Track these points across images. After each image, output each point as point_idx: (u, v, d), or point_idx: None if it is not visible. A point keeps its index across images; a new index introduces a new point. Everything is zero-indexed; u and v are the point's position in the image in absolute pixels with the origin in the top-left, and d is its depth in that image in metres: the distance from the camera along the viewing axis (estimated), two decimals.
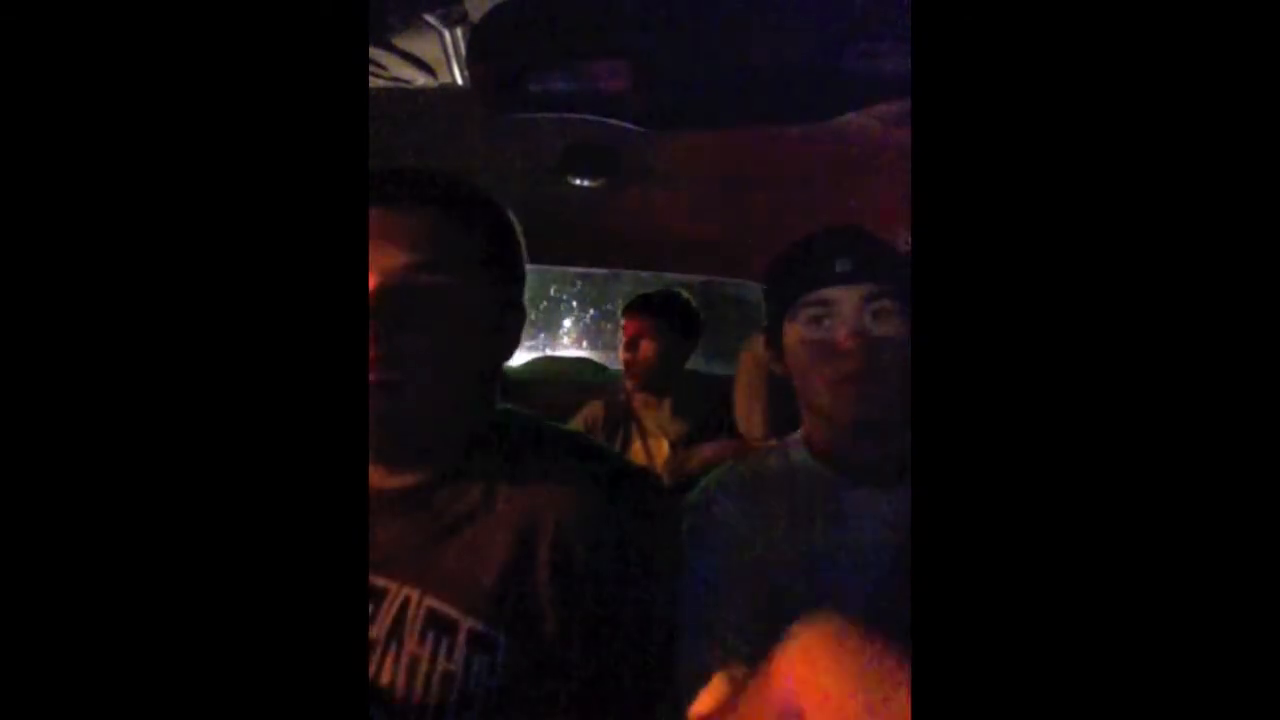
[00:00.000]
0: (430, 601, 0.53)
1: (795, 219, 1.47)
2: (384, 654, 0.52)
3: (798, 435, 0.73)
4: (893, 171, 1.09)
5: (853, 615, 0.59)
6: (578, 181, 1.22)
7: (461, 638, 0.52)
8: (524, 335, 0.64)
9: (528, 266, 0.63)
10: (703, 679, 0.61)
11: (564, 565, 0.55)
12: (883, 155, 1.05)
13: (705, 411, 1.56)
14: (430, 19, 0.68)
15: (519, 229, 0.62)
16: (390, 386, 0.51)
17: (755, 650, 0.62)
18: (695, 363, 1.69)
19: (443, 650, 0.52)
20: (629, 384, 1.62)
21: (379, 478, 0.56)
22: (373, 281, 0.51)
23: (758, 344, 1.00)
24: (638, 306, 1.60)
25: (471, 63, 0.70)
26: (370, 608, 0.53)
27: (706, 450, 1.41)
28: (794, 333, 0.69)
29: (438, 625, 0.52)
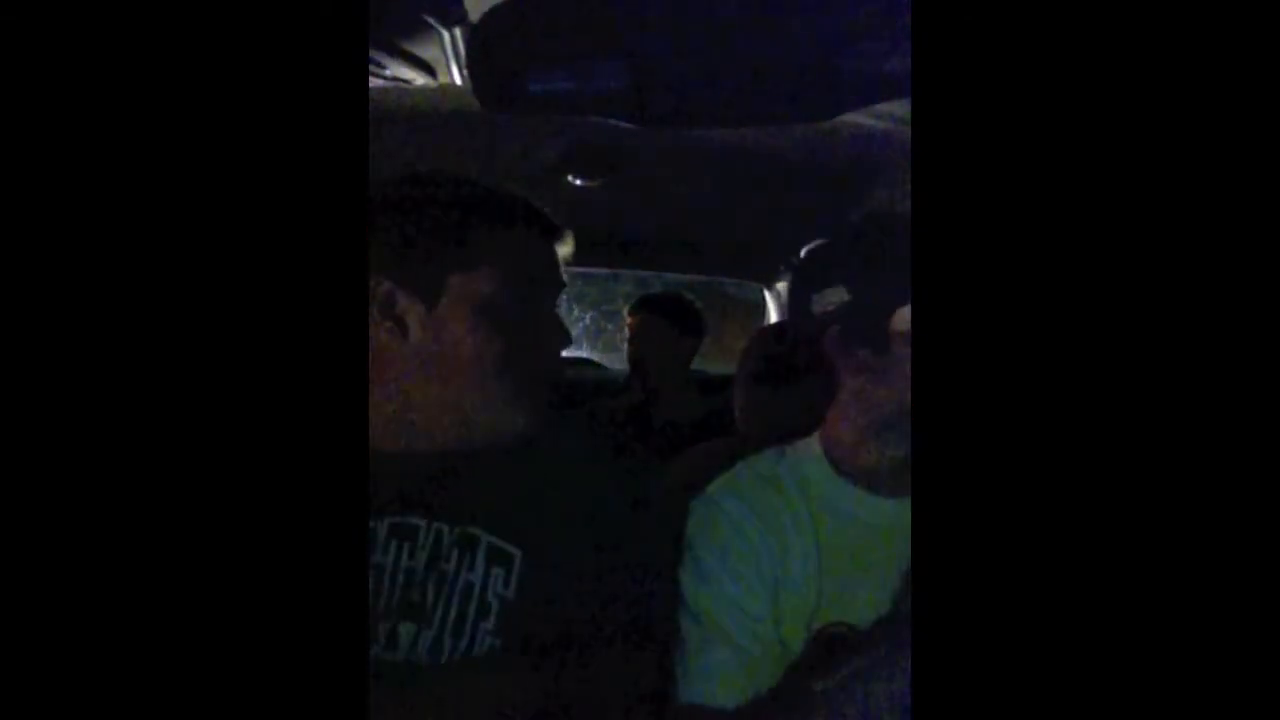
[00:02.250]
0: (459, 528, 0.59)
1: (795, 219, 1.47)
2: (419, 579, 0.57)
3: (813, 439, 0.72)
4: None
5: (861, 624, 0.59)
6: (578, 181, 1.22)
7: (481, 551, 0.58)
8: None
9: None
10: (707, 679, 0.61)
11: (569, 558, 0.58)
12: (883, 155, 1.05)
13: (706, 410, 1.56)
14: (430, 19, 0.67)
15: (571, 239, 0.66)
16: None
17: (762, 653, 0.62)
18: (694, 362, 1.69)
19: (465, 563, 0.58)
20: (634, 383, 1.63)
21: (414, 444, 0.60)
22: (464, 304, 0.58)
23: (763, 340, 1.00)
24: (641, 306, 1.61)
25: (471, 63, 0.69)
26: (408, 544, 0.58)
27: (707, 449, 1.41)
28: (907, 330, 0.63)
29: (462, 544, 0.58)
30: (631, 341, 1.61)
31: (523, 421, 0.61)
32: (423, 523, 0.59)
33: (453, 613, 0.57)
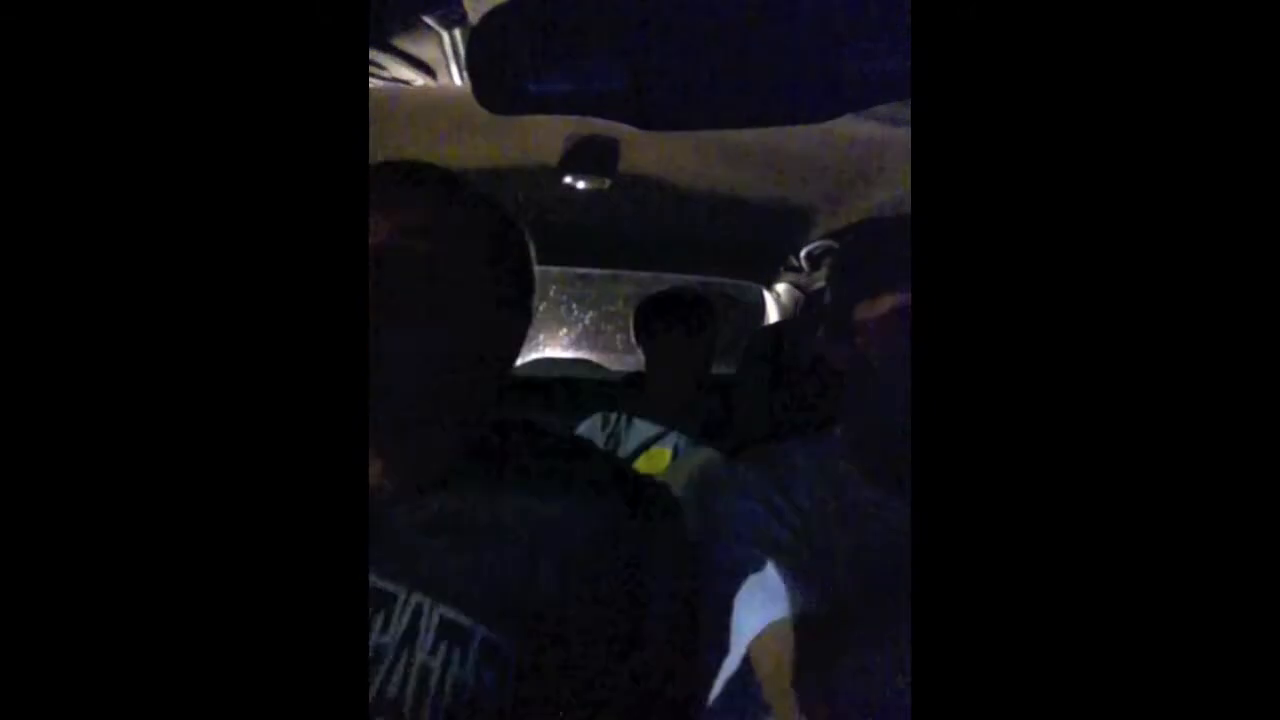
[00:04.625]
0: (442, 610, 0.52)
1: (795, 219, 1.47)
2: (395, 662, 0.51)
3: (835, 433, 0.72)
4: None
5: (867, 619, 0.59)
6: (577, 182, 1.22)
7: (474, 646, 0.51)
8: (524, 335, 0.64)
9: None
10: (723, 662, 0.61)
11: (568, 573, 0.54)
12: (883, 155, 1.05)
13: (707, 411, 1.56)
14: (430, 20, 0.68)
15: (525, 232, 0.62)
16: (382, 389, 0.49)
17: (773, 642, 0.61)
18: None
19: (455, 658, 0.51)
20: (651, 391, 1.59)
21: (380, 478, 0.56)
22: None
23: (763, 340, 1.00)
24: (650, 325, 1.56)
25: (471, 63, 0.69)
26: (381, 615, 0.52)
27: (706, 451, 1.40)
28: (877, 319, 0.65)
29: (450, 633, 0.51)
30: (652, 367, 1.56)
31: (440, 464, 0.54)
32: (400, 592, 0.52)
33: (440, 712, 0.50)
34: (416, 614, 0.52)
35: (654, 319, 1.56)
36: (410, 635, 0.51)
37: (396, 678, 0.50)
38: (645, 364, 1.59)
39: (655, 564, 0.57)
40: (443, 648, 0.51)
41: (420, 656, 0.51)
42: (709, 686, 0.62)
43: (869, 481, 0.67)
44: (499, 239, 0.59)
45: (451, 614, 0.52)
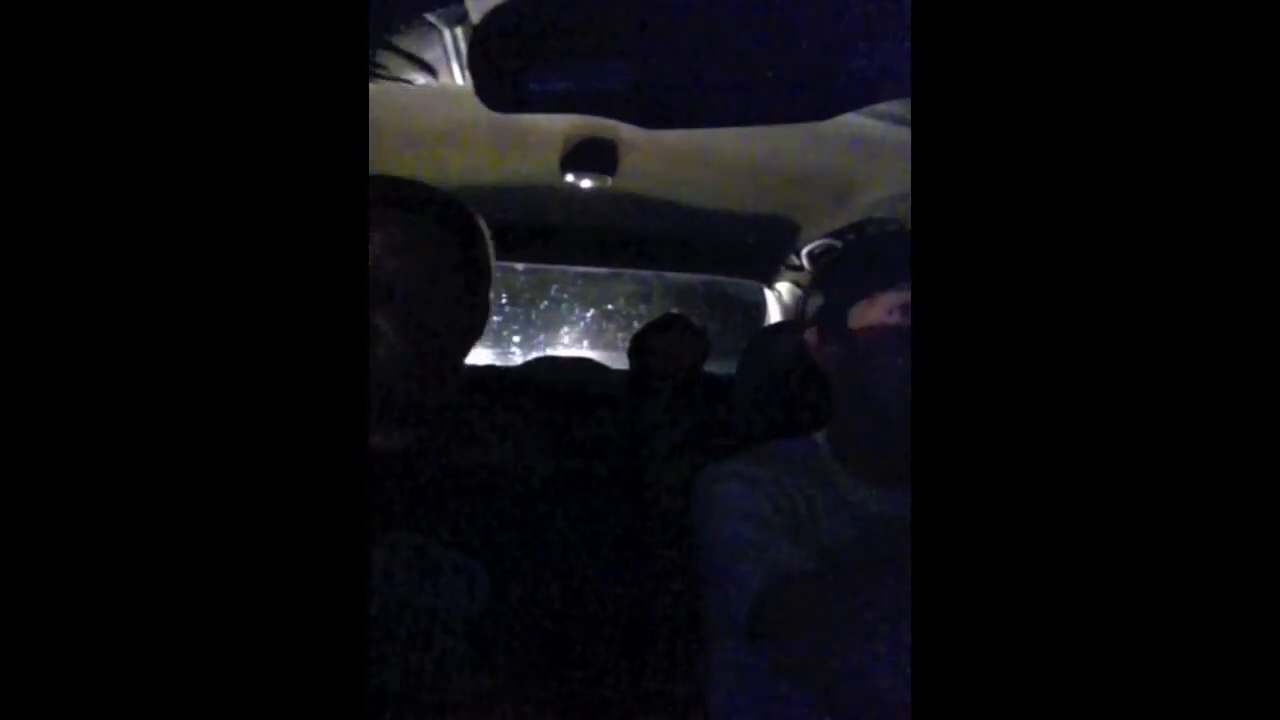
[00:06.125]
0: (417, 541, 0.56)
1: (795, 218, 1.47)
2: (374, 592, 0.54)
3: (820, 435, 0.73)
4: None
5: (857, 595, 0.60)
6: (579, 181, 1.22)
7: (445, 570, 0.56)
8: (524, 335, 0.65)
9: (528, 266, 0.64)
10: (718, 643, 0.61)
11: (555, 560, 0.57)
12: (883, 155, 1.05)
13: (705, 411, 1.56)
14: (430, 19, 0.68)
15: (486, 229, 0.64)
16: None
17: (773, 605, 0.62)
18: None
19: (428, 582, 0.55)
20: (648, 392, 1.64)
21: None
22: None
23: (763, 341, 1.00)
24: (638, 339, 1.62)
25: (472, 63, 0.70)
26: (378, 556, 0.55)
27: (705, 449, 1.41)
28: (868, 321, 0.66)
29: (423, 560, 0.56)
30: (648, 375, 1.61)
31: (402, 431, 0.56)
32: (378, 532, 0.55)
33: (416, 637, 0.53)
34: (394, 548, 0.55)
35: (643, 340, 1.62)
36: (389, 565, 0.55)
37: (376, 605, 0.54)
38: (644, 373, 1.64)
39: (654, 560, 0.59)
40: (416, 572, 0.55)
41: (399, 581, 0.54)
42: (710, 671, 0.63)
43: (855, 478, 0.68)
44: (457, 236, 0.62)
45: (424, 543, 0.56)
